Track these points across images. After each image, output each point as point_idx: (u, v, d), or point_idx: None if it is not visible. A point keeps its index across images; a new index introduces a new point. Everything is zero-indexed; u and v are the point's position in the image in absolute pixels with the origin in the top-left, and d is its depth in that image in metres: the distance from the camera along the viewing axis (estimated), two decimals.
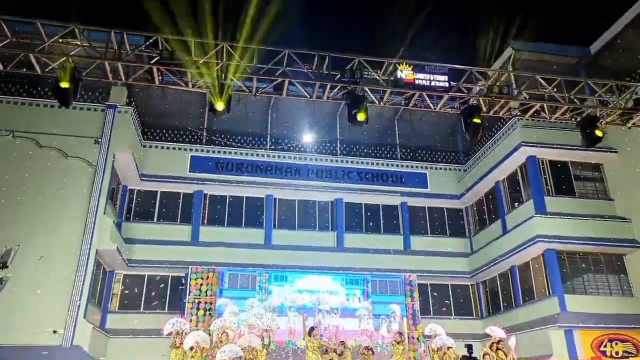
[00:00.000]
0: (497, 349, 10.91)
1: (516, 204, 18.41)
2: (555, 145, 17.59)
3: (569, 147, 17.42)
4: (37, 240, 14.63)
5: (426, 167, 21.39)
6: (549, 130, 17.61)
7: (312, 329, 11.27)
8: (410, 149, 21.83)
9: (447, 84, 11.60)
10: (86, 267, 15.08)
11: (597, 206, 17.23)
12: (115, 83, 15.03)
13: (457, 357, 10.65)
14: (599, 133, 11.97)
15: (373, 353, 11.64)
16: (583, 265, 16.58)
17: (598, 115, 12.50)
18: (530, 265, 17.45)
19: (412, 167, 21.27)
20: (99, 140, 16.51)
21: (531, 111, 12.63)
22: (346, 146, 21.30)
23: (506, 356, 10.81)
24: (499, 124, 19.06)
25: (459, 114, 12.29)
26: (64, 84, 10.02)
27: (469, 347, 7.80)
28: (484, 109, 12.16)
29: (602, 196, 17.68)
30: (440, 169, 21.51)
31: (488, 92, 11.91)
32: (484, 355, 10.67)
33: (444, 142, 22.11)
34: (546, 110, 12.74)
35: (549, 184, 17.51)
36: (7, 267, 9.24)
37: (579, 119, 12.60)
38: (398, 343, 11.04)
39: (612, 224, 16.74)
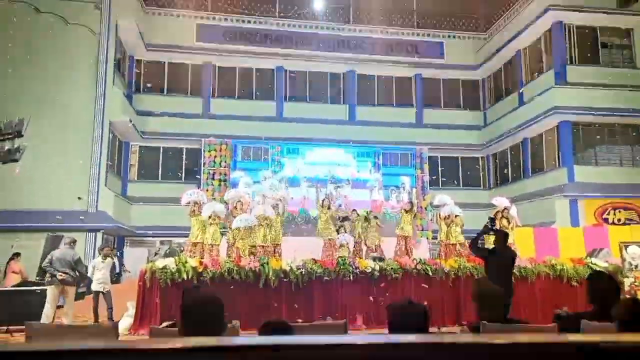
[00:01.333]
0: (502, 216, 11.21)
1: (536, 74, 17.76)
2: (584, 9, 16.34)
3: (599, 10, 16.19)
4: (48, 111, 14.62)
5: (443, 36, 20.34)
6: None
7: (324, 199, 11.56)
8: (427, 16, 20.56)
9: None
10: (101, 137, 15.30)
11: (621, 75, 16.49)
12: None
13: (464, 224, 11.00)
14: None
15: (378, 222, 12.05)
16: (597, 136, 16.43)
17: None
18: (544, 137, 17.33)
19: (428, 35, 20.24)
20: (99, 5, 15.63)
21: None
22: (359, 13, 20.07)
23: (509, 223, 11.14)
24: None
25: None
26: None
27: (491, 220, 7.97)
28: None
29: (628, 64, 16.85)
30: (459, 37, 20.44)
31: None
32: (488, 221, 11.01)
33: (465, 7, 20.68)
34: None
35: (573, 52, 16.65)
36: (21, 135, 9.29)
37: None
38: (407, 212, 11.34)
39: (633, 93, 16.15)
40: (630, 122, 16.35)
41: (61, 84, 15.03)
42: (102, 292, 9.16)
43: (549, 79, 16.72)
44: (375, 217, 11.82)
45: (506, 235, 7.29)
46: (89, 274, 9.45)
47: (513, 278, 9.37)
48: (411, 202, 11.62)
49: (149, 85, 18.86)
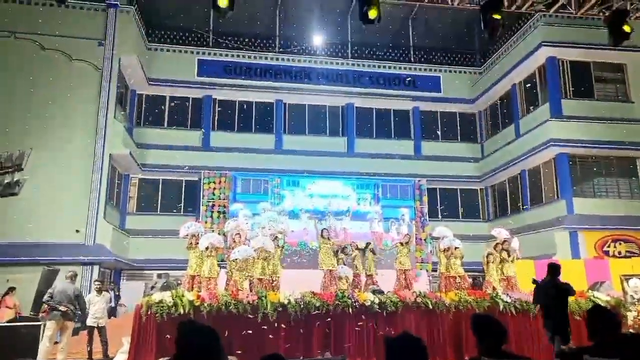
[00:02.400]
0: (502, 249, 11.16)
1: (531, 107, 17.97)
2: (577, 45, 16.70)
3: (591, 46, 16.53)
4: (49, 144, 14.73)
5: (440, 70, 20.69)
6: (571, 29, 16.63)
7: (323, 230, 11.52)
8: (424, 51, 20.98)
9: None
10: (101, 170, 15.36)
11: (616, 109, 16.72)
12: None
13: (463, 256, 10.94)
14: (627, 29, 11.10)
15: (374, 254, 12.00)
16: (594, 169, 16.50)
17: (628, 9, 11.58)
18: (541, 169, 17.41)
19: (425, 69, 20.58)
20: (102, 42, 15.97)
21: (556, 5, 11.72)
22: (357, 49, 20.49)
23: (509, 255, 11.08)
24: (519, 23, 18.01)
25: (478, 10, 11.45)
26: None
27: (533, 280, 7.92)
28: (506, 4, 11.29)
29: (622, 98, 17.09)
30: (455, 71, 20.79)
31: None
32: (487, 254, 10.95)
33: (461, 43, 21.11)
34: (572, 4, 11.83)
35: (567, 86, 16.91)
36: (22, 169, 9.32)
37: (607, 14, 11.70)
38: (403, 245, 11.29)
39: (629, 126, 16.34)
40: (625, 155, 16.46)
41: (63, 117, 15.20)
42: (97, 327, 9.00)
43: (544, 112, 16.91)
44: (372, 250, 11.79)
45: (556, 267, 7.23)
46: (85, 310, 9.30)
47: (514, 311, 9.29)
48: (408, 235, 11.57)
49: (150, 118, 19.06)
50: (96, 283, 9.98)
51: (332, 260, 10.93)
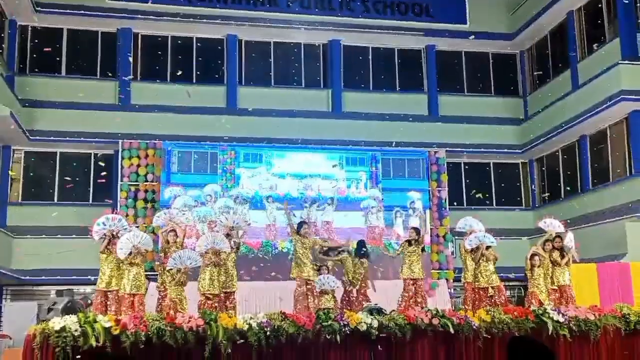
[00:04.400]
0: (553, 247, 11.36)
1: (595, 45, 18.10)
2: None
3: None
4: None
5: None
6: None
7: (301, 224, 11.58)
8: None
9: None
10: None
11: None
12: None
13: (497, 259, 11.11)
14: None
15: (368, 258, 12.13)
16: None
17: None
18: (608, 134, 17.66)
19: None
20: None
21: None
22: None
23: (562, 257, 11.29)
24: None
25: None
26: None
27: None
28: None
29: None
30: None
31: None
32: (532, 255, 11.13)
33: None
34: None
35: None
36: None
37: None
38: (411, 244, 11.39)
39: None
40: None
41: None
42: None
43: (613, 52, 17.06)
44: (365, 254, 11.93)
45: None
46: None
47: (569, 334, 9.52)
48: (416, 229, 11.68)
49: (40, 63, 18.62)
50: None
51: (309, 267, 11.01)
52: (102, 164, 18.11)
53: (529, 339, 4.91)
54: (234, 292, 10.50)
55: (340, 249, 11.98)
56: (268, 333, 8.50)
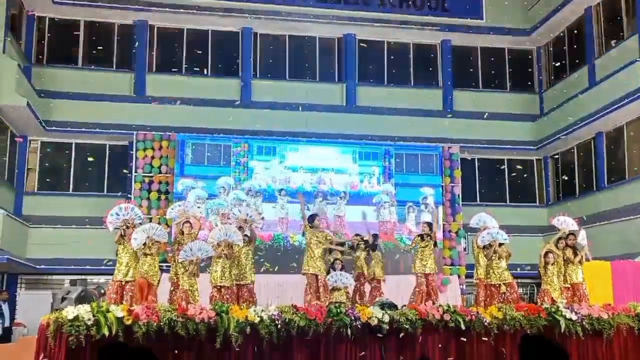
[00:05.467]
0: (566, 245, 11.32)
1: (613, 42, 18.00)
2: None
3: None
4: None
5: None
6: None
7: (313, 217, 11.58)
8: None
9: None
10: None
11: None
12: None
13: (510, 255, 11.09)
14: None
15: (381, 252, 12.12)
16: None
17: None
18: (625, 132, 17.55)
19: None
20: None
21: None
22: None
23: (576, 255, 11.26)
24: None
25: None
26: None
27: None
28: None
29: None
30: None
31: None
32: (545, 253, 11.10)
33: None
34: None
35: None
36: None
37: None
38: (423, 239, 11.38)
39: None
40: None
41: None
42: None
43: (631, 48, 16.94)
44: (375, 247, 11.92)
45: None
46: None
47: (582, 332, 9.48)
48: (430, 225, 11.66)
49: (57, 54, 18.79)
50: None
51: (320, 261, 11.04)
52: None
53: (542, 337, 4.88)
54: (246, 284, 10.56)
55: (352, 243, 12.00)
56: (279, 326, 8.53)
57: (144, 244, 9.74)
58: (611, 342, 9.61)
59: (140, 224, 10.35)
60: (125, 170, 17.83)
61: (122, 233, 10.09)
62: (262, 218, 12.09)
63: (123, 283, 9.89)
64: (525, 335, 3.83)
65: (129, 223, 10.17)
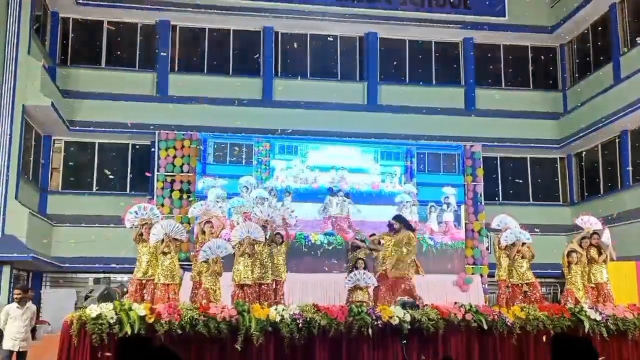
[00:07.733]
0: (590, 245, 11.21)
1: (638, 39, 17.77)
2: None
3: None
4: None
5: None
6: None
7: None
8: None
9: None
10: (11, 129, 15.36)
11: None
12: None
13: (534, 255, 11.02)
14: None
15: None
16: None
17: None
18: None
19: None
20: None
21: None
22: None
23: (599, 254, 11.15)
24: None
25: None
26: None
27: None
28: None
29: None
30: None
31: None
32: (569, 252, 11.02)
33: None
34: None
35: None
36: None
37: None
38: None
39: None
40: None
41: None
42: (17, 351, 9.20)
43: None
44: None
45: None
46: (0, 326, 9.52)
47: (606, 333, 9.38)
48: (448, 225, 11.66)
49: (80, 54, 18.98)
50: (17, 291, 10.18)
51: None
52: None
53: (573, 336, 4.83)
54: (270, 283, 10.59)
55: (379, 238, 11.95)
56: (300, 325, 8.54)
57: (162, 241, 9.78)
58: (636, 343, 9.49)
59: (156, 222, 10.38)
60: (147, 173, 17.92)
61: (141, 232, 10.13)
62: (296, 217, 12.09)
63: (143, 282, 9.95)
64: (556, 335, 3.79)
65: (147, 222, 10.19)
